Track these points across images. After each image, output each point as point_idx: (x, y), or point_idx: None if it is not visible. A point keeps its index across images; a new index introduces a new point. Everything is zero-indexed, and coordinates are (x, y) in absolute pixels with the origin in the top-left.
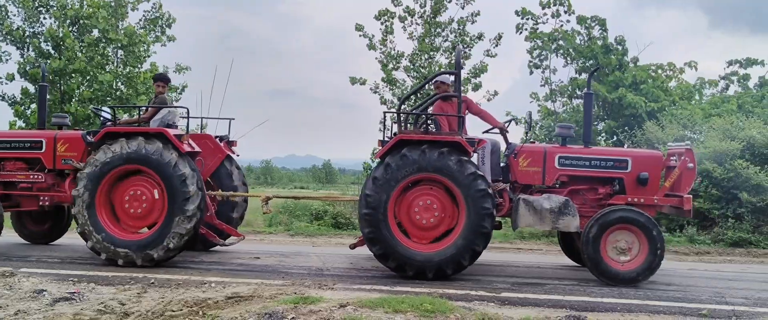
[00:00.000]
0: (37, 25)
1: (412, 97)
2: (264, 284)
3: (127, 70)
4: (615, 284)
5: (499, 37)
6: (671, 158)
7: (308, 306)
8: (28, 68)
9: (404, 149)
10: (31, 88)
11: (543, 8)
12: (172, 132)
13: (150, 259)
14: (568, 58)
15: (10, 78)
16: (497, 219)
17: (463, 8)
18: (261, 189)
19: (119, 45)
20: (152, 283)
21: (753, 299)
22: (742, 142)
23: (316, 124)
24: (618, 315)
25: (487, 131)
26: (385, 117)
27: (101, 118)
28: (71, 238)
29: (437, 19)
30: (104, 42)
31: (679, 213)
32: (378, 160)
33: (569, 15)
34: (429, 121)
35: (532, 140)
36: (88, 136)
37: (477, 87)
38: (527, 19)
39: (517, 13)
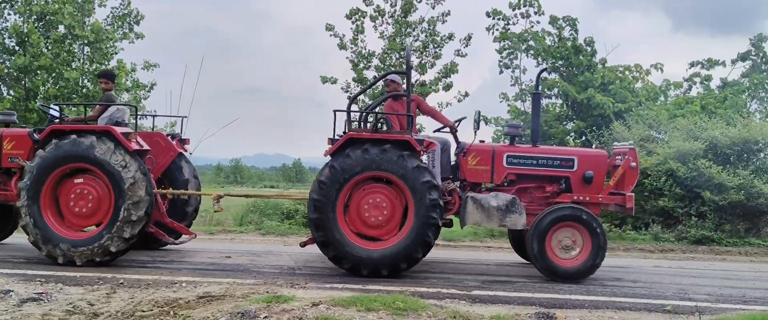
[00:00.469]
0: (1, 20)
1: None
2: (236, 283)
3: (94, 67)
4: (560, 280)
5: (469, 37)
6: (616, 157)
7: (281, 305)
8: None
9: (348, 149)
10: None
11: (513, 9)
12: (119, 130)
13: (90, 260)
14: (539, 59)
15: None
16: (448, 217)
17: (433, 8)
18: (230, 188)
19: (86, 41)
20: (121, 283)
21: (715, 295)
22: (705, 142)
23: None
24: (585, 311)
25: (438, 130)
26: (335, 115)
27: (49, 116)
28: (20, 237)
29: (408, 19)
30: (70, 38)
31: (623, 211)
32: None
33: (539, 15)
34: (381, 120)
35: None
36: (34, 134)
37: (448, 87)
38: (498, 19)
39: (488, 14)
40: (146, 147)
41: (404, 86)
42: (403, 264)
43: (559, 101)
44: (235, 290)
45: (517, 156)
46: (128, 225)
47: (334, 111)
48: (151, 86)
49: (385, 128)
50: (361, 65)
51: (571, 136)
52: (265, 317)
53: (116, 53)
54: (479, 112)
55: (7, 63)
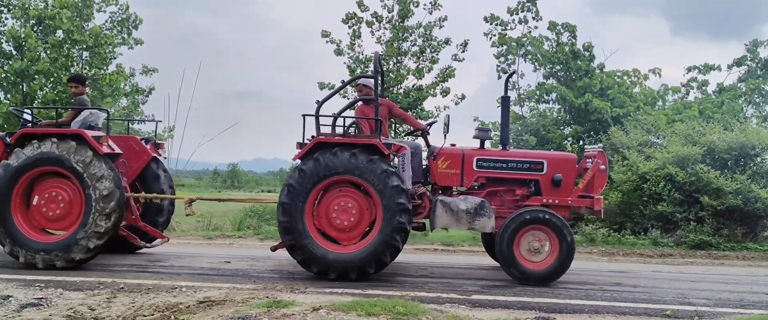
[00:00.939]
0: (0, 24)
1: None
2: (235, 288)
3: (93, 71)
4: (529, 283)
5: (466, 43)
6: (587, 160)
7: (281, 310)
8: None
9: (317, 153)
10: None
11: (511, 14)
12: (90, 133)
13: (70, 260)
14: (536, 64)
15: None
16: (420, 221)
17: (430, 13)
18: (228, 193)
19: (85, 46)
20: (122, 288)
21: (715, 299)
22: (704, 147)
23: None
24: (585, 316)
25: (409, 133)
26: (304, 120)
27: (21, 120)
28: None
29: (405, 24)
30: (69, 43)
31: (592, 213)
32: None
33: (537, 21)
34: (353, 124)
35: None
36: (7, 138)
37: (445, 92)
38: (496, 24)
39: (485, 19)
40: (118, 150)
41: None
42: (371, 268)
43: (557, 106)
44: (235, 295)
45: (487, 159)
46: (102, 218)
47: (303, 115)
48: (150, 91)
49: (356, 132)
50: (359, 70)
51: (568, 141)
52: None
53: (115, 58)
54: (449, 116)
55: (5, 67)
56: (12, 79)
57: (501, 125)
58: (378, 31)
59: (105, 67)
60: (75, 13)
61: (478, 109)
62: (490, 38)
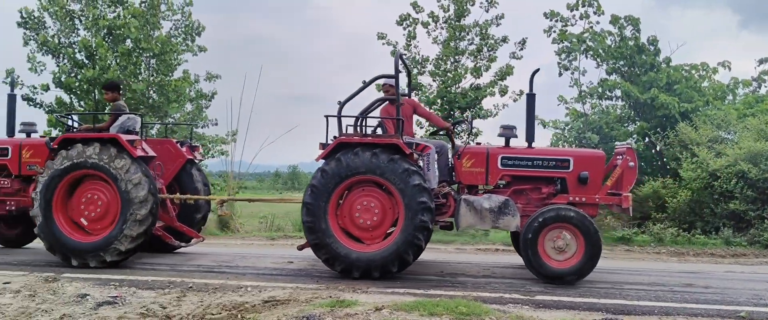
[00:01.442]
0: (73, 35)
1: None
2: (299, 288)
3: (159, 78)
4: (553, 282)
5: (524, 41)
6: (617, 157)
7: (344, 310)
8: (62, 78)
9: (339, 153)
10: (66, 98)
11: (571, 10)
12: (125, 137)
13: (102, 261)
14: (598, 60)
15: (45, 88)
16: (446, 220)
17: (487, 11)
18: (288, 194)
19: (151, 54)
20: (191, 287)
21: None
22: None
23: None
24: (655, 318)
25: (433, 133)
26: (327, 120)
27: (65, 125)
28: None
29: (461, 23)
30: (137, 51)
31: (620, 211)
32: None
33: (598, 15)
34: (379, 125)
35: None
36: (49, 143)
37: (504, 90)
38: (556, 21)
39: (545, 15)
40: (152, 153)
41: (402, 90)
42: (394, 267)
43: (621, 102)
44: (298, 294)
45: (512, 157)
46: (135, 224)
47: (326, 116)
48: (213, 95)
49: (381, 132)
50: (415, 71)
51: (633, 138)
52: None
53: (179, 64)
54: (471, 115)
55: (78, 76)
56: (85, 87)
57: (526, 122)
58: (434, 31)
59: (170, 74)
60: (142, 22)
61: (538, 107)
62: (550, 34)
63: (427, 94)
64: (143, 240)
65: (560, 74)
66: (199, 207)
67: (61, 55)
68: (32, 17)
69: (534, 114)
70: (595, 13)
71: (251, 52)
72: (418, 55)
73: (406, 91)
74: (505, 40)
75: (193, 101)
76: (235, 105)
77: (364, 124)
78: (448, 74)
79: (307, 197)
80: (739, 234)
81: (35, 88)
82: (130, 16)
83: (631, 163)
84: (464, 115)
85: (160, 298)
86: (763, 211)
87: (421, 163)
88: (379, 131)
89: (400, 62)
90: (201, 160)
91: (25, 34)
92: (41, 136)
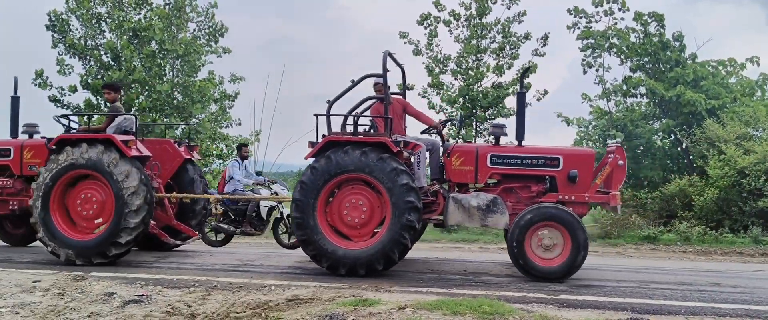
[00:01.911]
0: (99, 37)
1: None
2: (322, 287)
3: (183, 79)
4: (539, 280)
5: (546, 37)
6: (609, 156)
7: (367, 309)
8: (89, 80)
9: (329, 151)
10: (94, 99)
11: (596, 6)
12: (119, 137)
13: (100, 259)
14: (622, 57)
15: (73, 89)
16: (437, 217)
17: (508, 8)
18: None
19: (176, 55)
20: (215, 286)
21: None
22: None
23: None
24: (682, 317)
25: (424, 131)
26: (317, 119)
27: (64, 126)
28: None
29: (483, 21)
30: (162, 53)
31: (609, 210)
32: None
33: (623, 12)
34: (368, 123)
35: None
36: (47, 144)
37: (527, 87)
38: (580, 17)
39: (569, 11)
40: (147, 153)
41: (395, 89)
42: (380, 264)
43: (645, 100)
44: (322, 293)
45: (501, 156)
46: (130, 223)
47: (316, 115)
48: (236, 95)
49: (372, 131)
50: (437, 70)
51: (658, 136)
52: None
53: (203, 65)
54: (461, 113)
55: (104, 77)
56: None
57: (517, 120)
58: (456, 29)
59: (195, 75)
60: (166, 24)
61: (561, 104)
62: (574, 31)
63: (449, 93)
64: (141, 232)
65: (585, 72)
66: (196, 205)
67: (88, 57)
68: (60, 20)
69: (524, 112)
70: (619, 9)
71: (274, 52)
72: (440, 53)
73: (400, 90)
74: (527, 37)
75: (217, 102)
76: (259, 105)
77: (357, 122)
78: (470, 72)
79: (297, 193)
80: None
81: (63, 89)
82: (155, 17)
83: (621, 162)
84: (454, 114)
85: (185, 297)
86: None
87: (412, 161)
88: (371, 131)
89: (391, 61)
90: (199, 160)
91: (53, 36)
92: (42, 137)
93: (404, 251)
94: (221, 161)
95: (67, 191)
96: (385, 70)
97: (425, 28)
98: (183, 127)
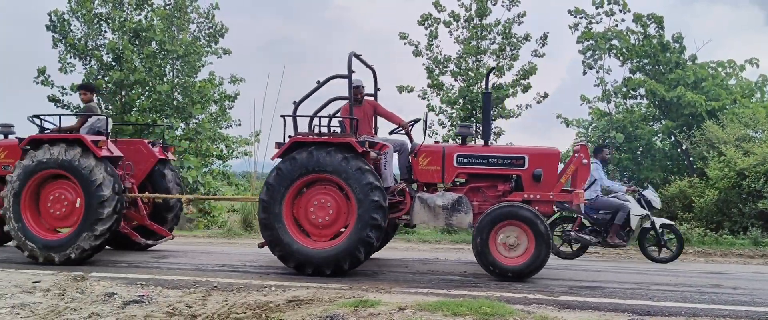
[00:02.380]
0: (100, 37)
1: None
2: (322, 288)
3: (183, 80)
4: (505, 279)
5: (545, 36)
6: (574, 154)
7: (368, 310)
8: (90, 80)
9: (294, 152)
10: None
11: (597, 7)
12: (90, 138)
13: (67, 258)
14: (622, 58)
15: (74, 89)
16: (404, 217)
17: (508, 9)
18: None
19: (175, 56)
20: (215, 287)
21: None
22: None
23: None
24: (682, 319)
25: (393, 131)
26: (284, 120)
27: (38, 126)
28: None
29: (483, 22)
30: (162, 53)
31: (572, 208)
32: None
33: (624, 13)
34: (336, 123)
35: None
36: (19, 144)
37: (526, 88)
38: (580, 17)
39: (569, 12)
40: (118, 153)
41: (367, 90)
42: (346, 264)
43: (645, 101)
44: (322, 294)
45: (467, 155)
46: (98, 223)
47: (282, 116)
48: (235, 96)
49: (339, 132)
50: (436, 71)
51: (658, 137)
52: None
53: (203, 66)
54: (428, 113)
55: (105, 78)
56: (112, 89)
57: (483, 120)
58: (456, 30)
59: (195, 75)
60: (167, 24)
61: (559, 105)
62: (574, 32)
63: (449, 94)
64: (107, 238)
65: (584, 73)
66: (170, 206)
67: (89, 57)
68: (61, 20)
69: (489, 111)
70: (620, 10)
71: (273, 53)
72: (440, 54)
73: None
74: (527, 37)
75: (217, 102)
76: (259, 106)
77: (329, 123)
78: (470, 74)
79: (263, 195)
80: (767, 235)
81: (64, 88)
82: (156, 18)
83: (585, 160)
84: (424, 114)
85: (185, 297)
86: None
87: (382, 160)
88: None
89: (359, 62)
90: (174, 160)
91: (53, 37)
92: (16, 137)
93: (370, 250)
94: (221, 162)
95: (40, 190)
96: (350, 71)
97: (426, 28)
98: (161, 127)
